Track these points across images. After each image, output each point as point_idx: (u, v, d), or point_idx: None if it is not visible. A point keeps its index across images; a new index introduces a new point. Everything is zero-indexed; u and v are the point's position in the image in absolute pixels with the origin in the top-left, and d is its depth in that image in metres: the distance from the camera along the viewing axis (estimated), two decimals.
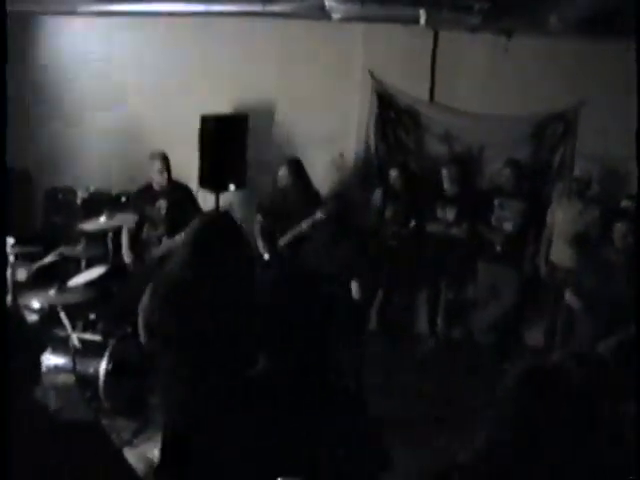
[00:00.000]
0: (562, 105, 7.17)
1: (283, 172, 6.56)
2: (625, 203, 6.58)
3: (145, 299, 3.42)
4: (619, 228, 5.72)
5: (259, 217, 6.65)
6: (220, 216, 4.23)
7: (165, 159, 6.30)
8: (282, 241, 6.42)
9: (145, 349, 3.55)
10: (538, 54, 7.03)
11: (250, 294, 3.15)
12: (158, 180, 6.28)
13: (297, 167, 6.58)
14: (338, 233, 6.37)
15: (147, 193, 6.35)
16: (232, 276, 3.29)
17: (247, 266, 3.48)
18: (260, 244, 6.49)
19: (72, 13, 6.63)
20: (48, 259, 5.59)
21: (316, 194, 6.66)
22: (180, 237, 5.89)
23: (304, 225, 6.29)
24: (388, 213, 6.88)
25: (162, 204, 6.24)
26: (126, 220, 6.11)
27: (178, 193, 6.36)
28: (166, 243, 6.11)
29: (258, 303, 2.47)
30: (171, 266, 3.48)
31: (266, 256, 6.44)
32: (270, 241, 6.47)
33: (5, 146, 3.71)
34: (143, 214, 6.20)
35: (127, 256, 6.22)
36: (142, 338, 3.47)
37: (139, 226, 6.21)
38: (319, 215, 6.23)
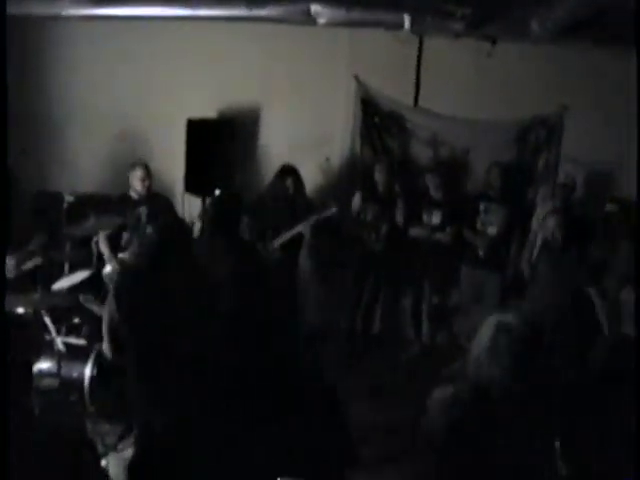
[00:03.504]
0: (546, 110, 7.25)
1: (279, 178, 6.73)
2: (609, 207, 6.64)
3: (108, 304, 3.45)
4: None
5: (246, 219, 6.72)
6: (173, 223, 4.32)
7: (147, 168, 6.38)
8: (276, 242, 6.54)
9: (110, 357, 3.57)
10: (521, 59, 7.10)
11: (212, 297, 3.20)
12: (139, 188, 6.35)
13: (296, 174, 6.74)
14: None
15: (125, 201, 6.38)
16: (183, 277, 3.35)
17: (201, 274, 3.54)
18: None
19: (56, 17, 6.59)
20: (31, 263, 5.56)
21: (307, 199, 6.88)
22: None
23: (299, 228, 6.49)
24: (368, 217, 6.92)
25: (142, 211, 6.24)
26: (106, 225, 6.12)
27: (157, 201, 6.40)
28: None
29: (229, 304, 2.52)
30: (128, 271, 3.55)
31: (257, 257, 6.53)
32: (263, 243, 6.55)
33: (7, 147, 3.70)
34: (123, 221, 6.20)
35: (108, 260, 6.20)
36: (106, 346, 3.51)
37: (118, 234, 6.21)
38: (314, 218, 6.47)
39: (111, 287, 3.72)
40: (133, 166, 6.40)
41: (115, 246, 6.22)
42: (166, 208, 6.52)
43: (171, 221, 5.06)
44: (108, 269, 6.14)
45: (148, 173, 6.38)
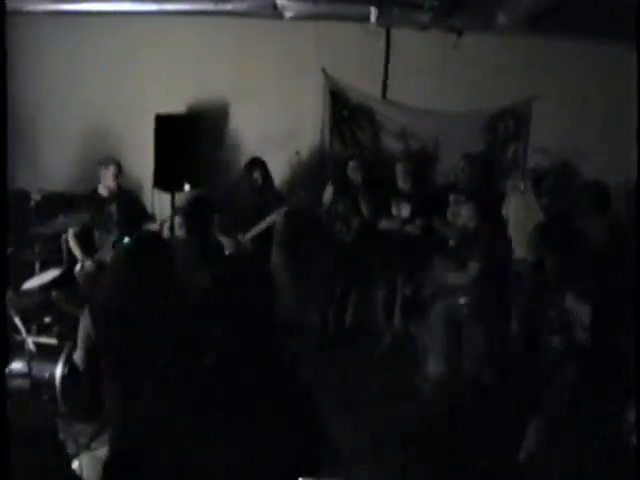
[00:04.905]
0: (514, 100, 7.29)
1: (247, 170, 6.75)
2: (577, 192, 6.67)
3: (83, 320, 3.46)
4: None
5: (217, 215, 6.72)
6: (151, 236, 4.40)
7: (119, 165, 6.36)
8: (247, 236, 6.59)
9: (84, 368, 3.58)
10: (489, 51, 7.13)
11: (184, 301, 3.24)
12: (111, 186, 6.32)
13: (263, 166, 6.75)
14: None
15: (94, 199, 6.35)
16: (163, 291, 3.39)
17: (174, 280, 3.57)
18: (224, 240, 6.57)
19: (18, 12, 6.51)
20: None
21: (276, 191, 6.92)
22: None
23: (269, 220, 6.58)
24: (339, 209, 6.93)
25: (113, 209, 6.25)
26: (76, 224, 6.09)
27: (127, 199, 6.40)
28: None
29: (200, 301, 2.52)
30: (103, 285, 3.58)
31: (227, 251, 6.53)
32: (234, 237, 6.55)
33: (6, 148, 3.66)
34: (93, 220, 6.17)
35: (80, 258, 6.17)
36: (80, 359, 3.52)
37: (89, 231, 6.18)
38: (283, 210, 6.57)
39: (86, 298, 3.77)
40: (105, 164, 6.36)
41: (87, 244, 6.19)
42: (136, 205, 6.52)
43: (147, 234, 5.09)
44: (79, 267, 6.12)
45: (120, 170, 6.35)
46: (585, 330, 3.52)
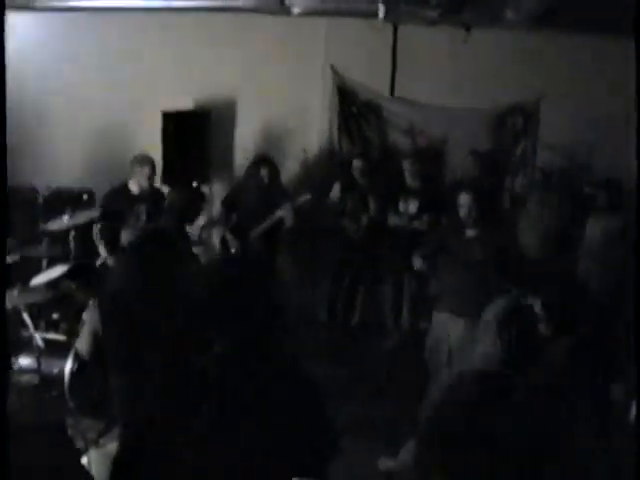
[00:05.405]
0: (523, 97, 7.27)
1: (254, 169, 6.72)
2: (588, 190, 6.66)
3: (89, 313, 3.47)
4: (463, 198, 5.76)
5: (223, 211, 6.73)
6: (158, 233, 4.40)
7: (154, 166, 6.22)
8: (254, 234, 6.60)
9: (89, 360, 3.59)
10: (498, 47, 7.11)
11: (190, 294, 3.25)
12: (145, 185, 6.16)
13: (270, 164, 6.75)
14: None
15: (123, 196, 6.17)
16: (169, 287, 3.40)
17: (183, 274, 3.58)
18: (229, 238, 6.56)
19: (27, 8, 6.51)
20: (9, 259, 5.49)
21: (283, 189, 6.91)
22: None
23: (275, 216, 6.59)
24: (348, 207, 6.91)
25: (142, 210, 6.10)
26: (89, 217, 6.03)
27: (155, 197, 6.27)
28: None
29: (206, 295, 2.52)
30: (112, 279, 3.58)
31: (233, 249, 6.53)
32: (239, 235, 6.55)
33: (6, 147, 3.66)
34: (120, 218, 6.02)
35: (103, 254, 6.06)
36: (85, 350, 3.52)
37: (115, 229, 6.05)
38: (290, 206, 6.56)
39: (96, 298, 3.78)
40: (141, 162, 6.17)
41: (113, 243, 6.08)
42: (162, 204, 6.42)
43: (154, 230, 5.08)
44: (100, 262, 6.07)
45: (154, 171, 6.23)
46: (542, 322, 3.59)
